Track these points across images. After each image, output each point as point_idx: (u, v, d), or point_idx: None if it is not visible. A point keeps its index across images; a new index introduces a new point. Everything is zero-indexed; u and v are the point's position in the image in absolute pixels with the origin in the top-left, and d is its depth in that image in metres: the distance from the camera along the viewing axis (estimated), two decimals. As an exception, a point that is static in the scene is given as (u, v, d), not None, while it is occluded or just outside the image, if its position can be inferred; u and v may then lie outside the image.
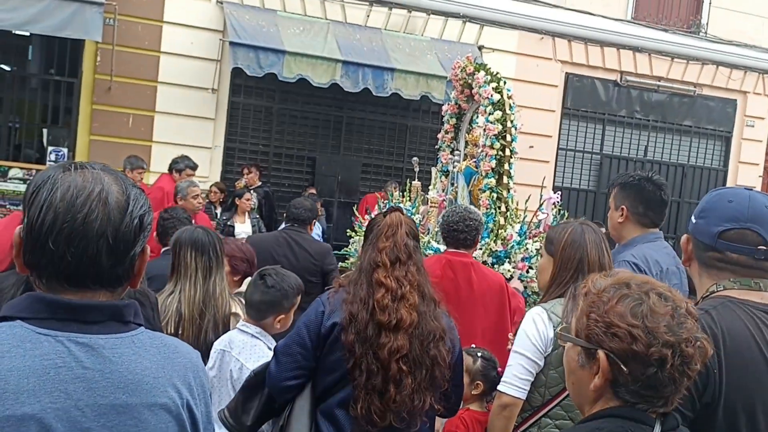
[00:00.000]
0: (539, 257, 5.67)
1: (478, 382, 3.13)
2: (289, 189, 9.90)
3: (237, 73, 9.09)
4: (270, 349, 2.78)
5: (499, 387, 2.50)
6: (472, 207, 4.89)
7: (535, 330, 2.45)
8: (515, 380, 2.44)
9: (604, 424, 1.32)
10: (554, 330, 2.43)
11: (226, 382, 2.76)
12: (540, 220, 6.40)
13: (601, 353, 1.33)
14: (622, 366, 1.31)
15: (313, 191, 9.45)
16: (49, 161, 8.77)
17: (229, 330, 3.00)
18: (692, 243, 1.87)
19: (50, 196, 1.18)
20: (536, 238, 6.14)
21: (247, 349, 2.80)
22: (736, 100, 11.83)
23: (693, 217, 1.86)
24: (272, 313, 2.88)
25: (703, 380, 1.62)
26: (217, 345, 2.88)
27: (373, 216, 2.60)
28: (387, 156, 10.44)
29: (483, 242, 5.86)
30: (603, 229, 2.96)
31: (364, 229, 3.17)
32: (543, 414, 2.46)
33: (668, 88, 11.45)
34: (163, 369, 1.26)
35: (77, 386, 1.16)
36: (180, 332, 3.01)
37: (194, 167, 7.48)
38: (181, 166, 7.39)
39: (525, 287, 5.93)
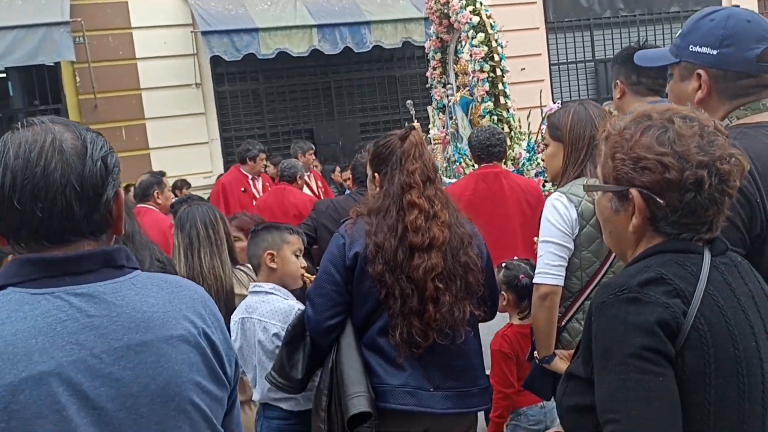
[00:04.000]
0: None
1: (502, 292, 3.09)
2: (294, 165, 9.85)
3: (216, 62, 9.01)
4: (287, 299, 2.74)
5: (534, 280, 2.47)
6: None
7: (557, 214, 2.41)
8: (548, 268, 2.41)
9: (652, 261, 1.27)
10: (576, 210, 2.41)
11: (254, 348, 2.68)
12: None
13: (633, 191, 1.28)
14: (657, 199, 1.27)
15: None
16: (55, 190, 8.79)
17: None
18: (714, 76, 1.72)
19: (3, 157, 1.15)
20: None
21: (263, 306, 2.69)
22: (718, -26, 11.53)
23: (708, 48, 1.69)
24: (260, 252, 2.75)
25: (747, 212, 1.56)
26: (235, 316, 2.75)
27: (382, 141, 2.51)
28: (382, 111, 10.34)
29: (494, 166, 5.81)
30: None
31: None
32: (585, 297, 2.43)
33: (648, -22, 11.19)
34: (170, 303, 1.23)
35: (88, 335, 1.13)
36: None
37: (264, 150, 7.19)
38: (255, 152, 7.00)
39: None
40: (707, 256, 1.28)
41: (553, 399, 3.17)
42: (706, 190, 1.25)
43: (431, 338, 2.31)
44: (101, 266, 1.19)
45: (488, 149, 4.36)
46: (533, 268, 3.18)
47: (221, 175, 7.98)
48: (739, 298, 1.26)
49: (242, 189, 7.10)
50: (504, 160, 4.62)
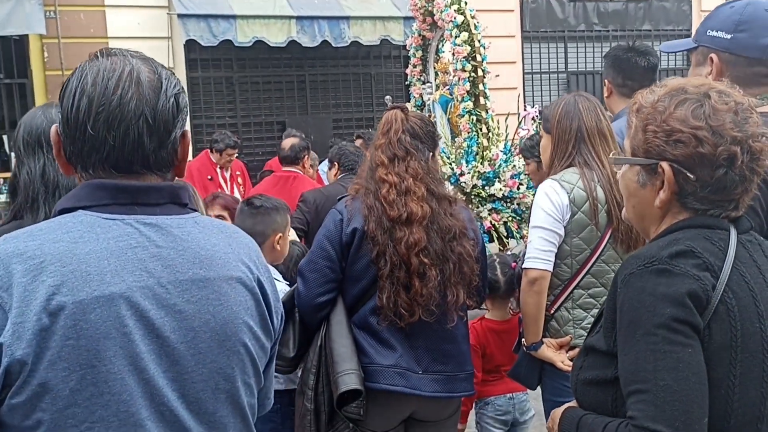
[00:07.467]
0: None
1: None
2: (264, 157, 9.72)
3: (191, 47, 8.84)
4: (277, 279, 2.70)
5: (524, 265, 2.47)
6: None
7: (548, 201, 2.42)
8: (538, 253, 2.41)
9: (680, 235, 1.27)
10: (568, 196, 2.41)
11: None
12: (522, 137, 6.37)
13: (664, 165, 1.27)
14: (687, 174, 1.26)
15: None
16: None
17: None
18: (726, 61, 1.75)
19: (81, 83, 1.16)
20: (522, 155, 6.11)
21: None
22: (690, -3, 11.82)
23: (723, 33, 1.73)
24: (270, 232, 2.71)
25: (766, 197, 1.58)
26: None
27: None
28: (356, 108, 10.30)
29: (470, 165, 5.83)
30: None
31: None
32: (574, 286, 2.44)
33: (622, -5, 11.40)
34: (230, 246, 1.25)
35: (156, 264, 1.14)
36: None
37: (234, 145, 6.97)
38: (221, 146, 6.84)
39: (518, 204, 5.94)
40: (734, 233, 1.28)
41: (526, 391, 3.18)
42: (737, 167, 1.25)
43: (417, 315, 2.27)
44: (168, 201, 1.20)
45: None
46: (503, 263, 3.20)
47: (190, 160, 7.82)
48: (765, 275, 1.27)
49: (209, 177, 6.97)
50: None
